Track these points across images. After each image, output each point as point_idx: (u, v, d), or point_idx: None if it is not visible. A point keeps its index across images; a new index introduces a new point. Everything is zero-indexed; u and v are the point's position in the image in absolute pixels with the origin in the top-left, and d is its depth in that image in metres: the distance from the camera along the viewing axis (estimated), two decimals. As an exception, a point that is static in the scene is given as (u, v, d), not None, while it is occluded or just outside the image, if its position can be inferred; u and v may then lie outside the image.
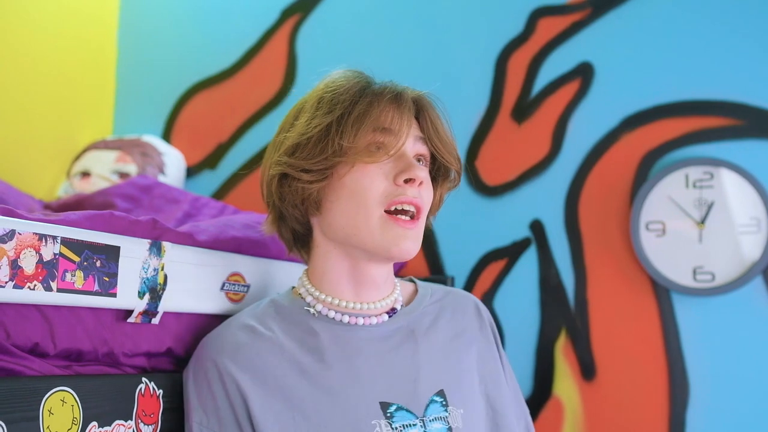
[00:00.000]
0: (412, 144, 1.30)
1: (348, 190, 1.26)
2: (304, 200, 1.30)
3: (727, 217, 1.97)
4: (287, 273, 1.59)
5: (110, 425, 1.18)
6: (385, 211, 1.26)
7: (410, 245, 1.26)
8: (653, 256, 2.00)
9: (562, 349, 2.06)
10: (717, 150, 1.99)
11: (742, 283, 1.93)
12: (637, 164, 2.06)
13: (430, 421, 1.24)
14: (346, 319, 1.31)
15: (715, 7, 2.03)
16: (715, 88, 2.01)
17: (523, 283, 2.11)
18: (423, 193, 1.28)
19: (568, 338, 2.06)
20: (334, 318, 1.32)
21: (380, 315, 1.33)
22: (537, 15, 2.19)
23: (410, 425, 1.23)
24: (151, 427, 1.25)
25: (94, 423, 1.16)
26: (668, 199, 2.01)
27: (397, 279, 1.43)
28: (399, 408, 1.24)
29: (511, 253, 2.13)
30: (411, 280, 1.47)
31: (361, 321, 1.31)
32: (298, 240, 1.40)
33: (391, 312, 1.35)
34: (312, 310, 1.33)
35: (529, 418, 1.45)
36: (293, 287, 1.41)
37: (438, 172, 1.39)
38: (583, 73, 2.13)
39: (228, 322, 1.33)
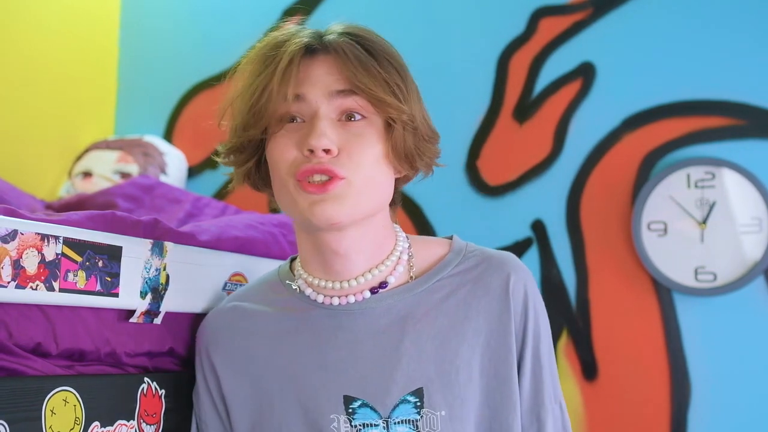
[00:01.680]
0: (328, 102, 1.12)
1: (270, 163, 1.17)
2: (244, 179, 1.23)
3: (729, 217, 1.97)
4: (289, 273, 1.59)
5: (112, 425, 1.18)
6: (297, 180, 1.12)
7: (328, 209, 1.10)
8: (655, 256, 2.00)
9: (563, 349, 2.06)
10: (718, 150, 1.99)
11: (743, 283, 1.93)
12: (639, 164, 2.06)
13: (395, 423, 1.13)
14: (320, 298, 1.20)
15: (717, 8, 2.03)
16: (716, 88, 2.01)
17: (524, 283, 2.11)
18: (337, 160, 1.10)
19: (570, 338, 2.06)
20: (309, 296, 1.21)
21: (360, 292, 1.18)
22: (538, 15, 2.19)
23: (371, 425, 1.13)
24: (153, 427, 1.26)
25: (97, 423, 1.16)
26: (670, 199, 2.01)
27: (421, 239, 1.27)
28: (363, 404, 1.14)
29: (513, 252, 2.13)
30: (450, 238, 1.27)
31: (336, 301, 1.18)
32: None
33: (377, 288, 1.19)
34: (294, 285, 1.24)
35: (556, 423, 1.19)
36: (296, 257, 1.31)
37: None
38: (585, 73, 2.13)
39: (216, 306, 1.32)
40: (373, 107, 1.12)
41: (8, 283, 1.05)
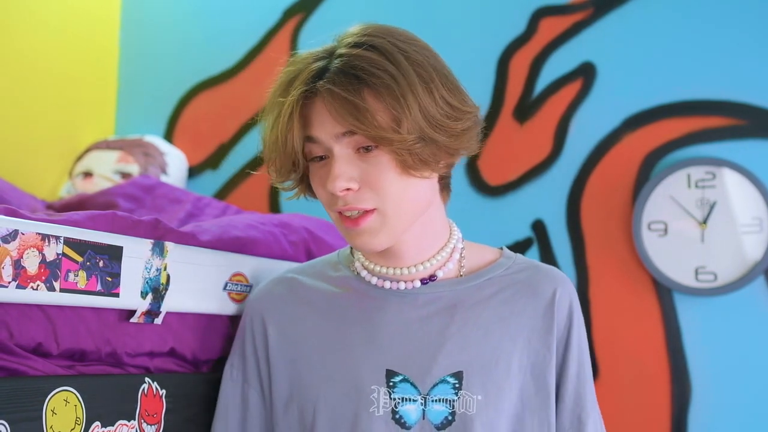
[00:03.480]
0: (338, 141, 1.16)
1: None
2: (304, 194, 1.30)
3: (729, 217, 1.97)
4: (289, 273, 1.59)
5: (113, 425, 1.18)
6: (337, 213, 1.20)
7: (366, 240, 1.18)
8: (655, 256, 2.00)
9: (564, 349, 2.06)
10: (719, 150, 1.99)
11: (744, 283, 1.93)
12: (639, 164, 2.06)
13: (432, 401, 1.20)
14: (374, 280, 1.28)
15: (717, 8, 2.04)
16: (717, 88, 2.01)
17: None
18: (359, 196, 1.16)
19: (570, 338, 2.06)
20: (364, 278, 1.29)
21: (411, 281, 1.26)
22: (539, 15, 2.19)
23: (410, 399, 1.20)
24: (153, 427, 1.26)
25: (97, 423, 1.16)
26: (670, 199, 2.01)
27: (475, 244, 1.33)
28: (404, 380, 1.21)
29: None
30: (501, 249, 1.34)
31: (388, 284, 1.26)
32: None
33: (428, 279, 1.27)
34: (352, 267, 1.32)
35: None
36: None
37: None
38: (585, 73, 2.13)
39: (272, 277, 1.39)
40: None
41: (9, 283, 1.05)
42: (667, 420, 1.97)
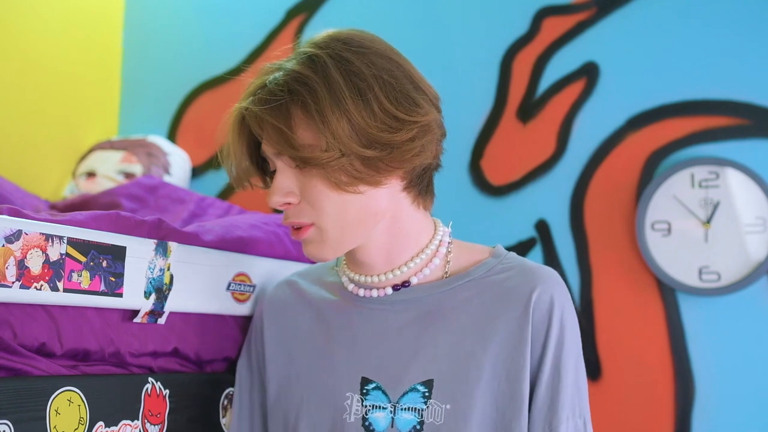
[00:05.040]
0: (276, 158, 1.19)
1: None
2: None
3: (733, 216, 1.96)
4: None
5: (117, 425, 1.19)
6: None
7: (311, 250, 1.20)
8: (659, 256, 2.00)
9: (567, 349, 2.06)
10: (722, 150, 1.99)
11: (748, 283, 1.93)
12: (643, 164, 2.05)
13: (401, 409, 1.19)
14: (351, 287, 1.28)
15: (721, 7, 2.03)
16: (720, 88, 2.01)
17: (528, 282, 2.11)
18: (299, 210, 1.18)
19: (574, 338, 2.06)
20: (344, 284, 1.30)
21: (383, 288, 1.25)
22: (542, 15, 2.19)
23: (380, 407, 1.20)
24: (157, 427, 1.26)
25: (101, 423, 1.16)
26: (674, 198, 2.01)
27: (465, 244, 1.30)
28: (377, 387, 1.21)
29: (517, 252, 2.13)
30: (494, 247, 1.29)
31: (361, 292, 1.26)
32: None
33: (400, 286, 1.24)
34: (340, 273, 1.32)
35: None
36: None
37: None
38: (589, 73, 2.13)
39: (280, 279, 1.42)
40: None
41: (12, 283, 1.05)
42: (671, 420, 1.97)
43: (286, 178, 1.18)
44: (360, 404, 1.21)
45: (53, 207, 1.95)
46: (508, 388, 1.18)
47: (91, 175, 2.34)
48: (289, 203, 1.18)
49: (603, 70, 2.12)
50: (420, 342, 1.21)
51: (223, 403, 1.40)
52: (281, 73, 1.18)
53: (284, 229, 1.64)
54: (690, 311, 1.99)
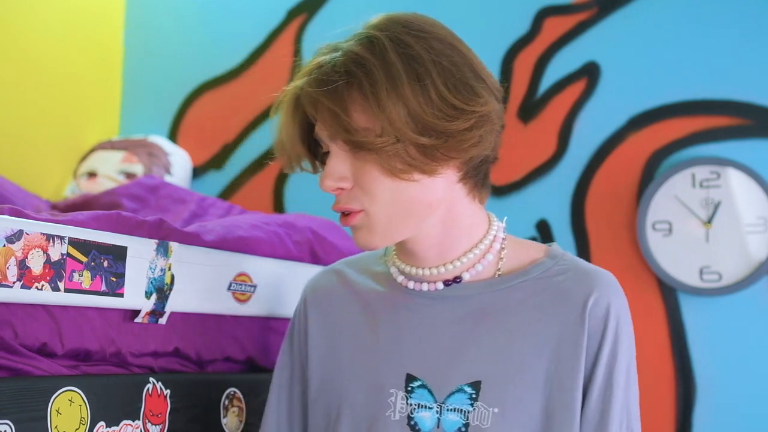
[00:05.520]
0: (331, 141, 1.14)
1: None
2: None
3: (734, 216, 1.96)
4: (294, 273, 1.59)
5: (118, 425, 1.19)
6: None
7: (361, 237, 1.15)
8: (660, 256, 2.00)
9: (568, 349, 2.06)
10: (723, 149, 1.99)
11: (749, 283, 1.93)
12: (644, 164, 2.05)
13: (447, 409, 1.15)
14: (400, 279, 1.22)
15: (722, 7, 2.03)
16: (721, 88, 2.01)
17: (529, 282, 2.11)
18: (351, 195, 1.13)
19: (575, 338, 2.06)
20: (393, 275, 1.24)
21: (434, 282, 1.20)
22: (543, 15, 2.19)
23: (425, 407, 1.16)
24: (158, 427, 1.26)
25: (102, 423, 1.16)
26: (675, 198, 2.01)
27: (519, 241, 1.25)
28: (422, 385, 1.17)
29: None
30: (550, 246, 1.24)
31: (411, 284, 1.21)
32: None
33: (451, 281, 1.19)
34: (388, 264, 1.26)
35: None
36: None
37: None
38: (590, 73, 2.13)
39: (326, 266, 1.38)
40: None
41: (14, 283, 1.05)
42: (672, 420, 1.97)
43: (339, 162, 1.13)
44: (405, 402, 1.17)
45: (54, 207, 1.95)
46: (560, 395, 1.13)
47: (92, 175, 2.34)
48: (342, 188, 1.13)
49: (604, 70, 2.12)
50: (469, 341, 1.17)
51: (224, 403, 1.40)
52: (338, 53, 1.13)
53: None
54: (691, 311, 1.99)
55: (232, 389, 1.42)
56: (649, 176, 2.05)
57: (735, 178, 1.97)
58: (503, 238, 1.22)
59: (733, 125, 1.99)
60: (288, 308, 1.56)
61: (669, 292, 2.01)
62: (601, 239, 2.08)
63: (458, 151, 1.12)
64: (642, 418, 2.01)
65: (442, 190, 1.15)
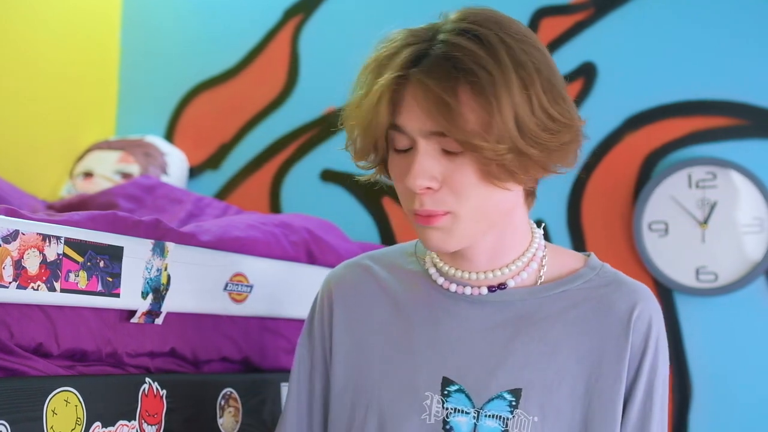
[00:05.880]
0: (425, 138, 1.07)
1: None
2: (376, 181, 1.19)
3: (730, 217, 1.97)
4: (291, 273, 1.59)
5: (114, 425, 1.18)
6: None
7: (435, 239, 1.10)
8: (656, 256, 2.00)
9: (564, 349, 2.06)
10: (720, 150, 1.99)
11: (745, 283, 1.93)
12: (640, 164, 2.06)
13: (486, 416, 1.13)
14: (440, 280, 1.19)
15: (719, 8, 2.03)
16: (718, 88, 2.01)
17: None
18: (438, 197, 1.08)
19: (571, 338, 2.06)
20: (432, 276, 1.20)
21: (478, 287, 1.17)
22: (540, 15, 2.19)
23: (462, 411, 1.13)
24: (154, 428, 1.26)
25: (98, 423, 1.16)
26: (671, 199, 2.01)
27: (559, 249, 1.24)
28: (460, 390, 1.14)
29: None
30: (588, 255, 1.23)
31: (454, 287, 1.18)
32: None
33: (496, 287, 1.17)
34: (422, 262, 1.23)
35: None
36: None
37: None
38: (586, 73, 2.13)
39: (349, 260, 1.31)
40: None
41: (9, 283, 1.05)
42: (668, 420, 1.97)
43: (432, 161, 1.07)
44: (440, 406, 1.14)
45: (50, 207, 1.95)
46: (600, 407, 1.13)
47: (88, 175, 2.34)
48: (429, 188, 1.07)
49: (601, 71, 2.12)
50: (509, 348, 1.15)
51: (220, 404, 1.40)
52: (445, 46, 1.06)
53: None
54: (687, 311, 1.99)
55: (228, 389, 1.42)
56: (645, 176, 2.05)
57: (731, 178, 1.97)
58: (544, 246, 1.21)
59: (730, 126, 1.99)
60: (284, 308, 1.56)
61: (665, 292, 2.01)
62: (597, 239, 2.08)
63: (555, 165, 1.10)
64: (638, 418, 2.01)
65: (516, 197, 1.14)
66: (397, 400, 1.17)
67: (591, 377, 1.13)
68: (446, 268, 1.19)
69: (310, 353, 1.26)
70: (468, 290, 1.17)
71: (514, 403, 1.13)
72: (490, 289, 1.17)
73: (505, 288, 1.17)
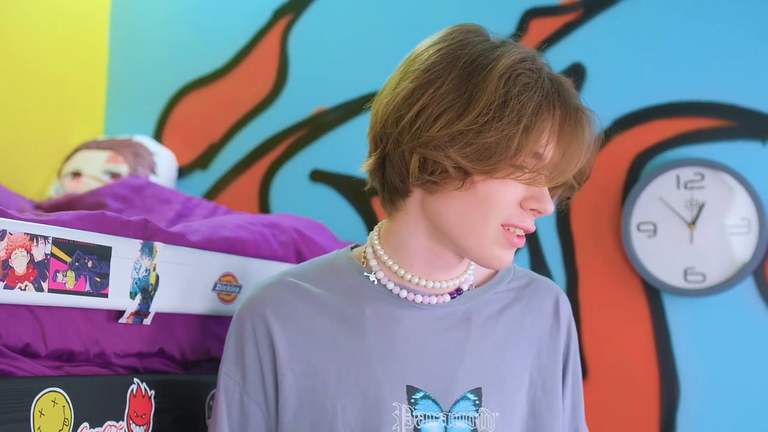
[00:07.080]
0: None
1: (478, 196, 1.13)
2: (425, 181, 1.15)
3: (718, 218, 1.97)
4: (279, 273, 1.59)
5: (101, 426, 1.18)
6: (504, 227, 1.15)
7: (510, 258, 1.18)
8: (644, 257, 2.01)
9: (553, 349, 2.06)
10: (708, 151, 2.00)
11: (732, 284, 1.94)
12: (629, 165, 2.06)
13: (454, 417, 1.16)
14: (404, 293, 1.20)
15: (707, 9, 2.04)
16: (706, 90, 2.02)
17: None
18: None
19: (560, 339, 2.06)
20: (391, 290, 1.21)
21: (442, 295, 1.21)
22: (529, 16, 2.19)
23: (432, 417, 1.15)
24: (142, 428, 1.25)
25: (86, 424, 1.15)
26: (659, 200, 2.02)
27: None
28: (426, 396, 1.17)
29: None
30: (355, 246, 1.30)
31: (419, 298, 1.20)
32: (389, 190, 1.21)
33: (455, 293, 1.23)
34: (372, 277, 1.22)
35: None
36: (355, 245, 1.30)
37: None
38: (575, 74, 2.13)
39: (268, 280, 1.26)
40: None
41: (-3, 283, 1.04)
42: (656, 421, 1.97)
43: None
44: (410, 414, 1.15)
45: (38, 207, 1.94)
46: (545, 396, 1.23)
47: (76, 174, 2.33)
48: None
49: (590, 72, 2.12)
50: (464, 350, 1.20)
51: (208, 404, 1.40)
52: (569, 89, 1.28)
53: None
54: (675, 312, 2.00)
55: (217, 390, 1.42)
56: (633, 178, 2.05)
57: (719, 179, 1.98)
58: None
59: (718, 127, 2.00)
60: (273, 309, 1.55)
61: (653, 293, 2.01)
62: (585, 240, 2.09)
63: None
64: (626, 418, 2.03)
65: None
66: (364, 415, 1.16)
67: (533, 370, 1.23)
68: (416, 280, 1.21)
69: (241, 384, 1.21)
70: (434, 299, 1.22)
71: (477, 402, 1.18)
72: (451, 295, 1.23)
73: (461, 293, 1.24)
